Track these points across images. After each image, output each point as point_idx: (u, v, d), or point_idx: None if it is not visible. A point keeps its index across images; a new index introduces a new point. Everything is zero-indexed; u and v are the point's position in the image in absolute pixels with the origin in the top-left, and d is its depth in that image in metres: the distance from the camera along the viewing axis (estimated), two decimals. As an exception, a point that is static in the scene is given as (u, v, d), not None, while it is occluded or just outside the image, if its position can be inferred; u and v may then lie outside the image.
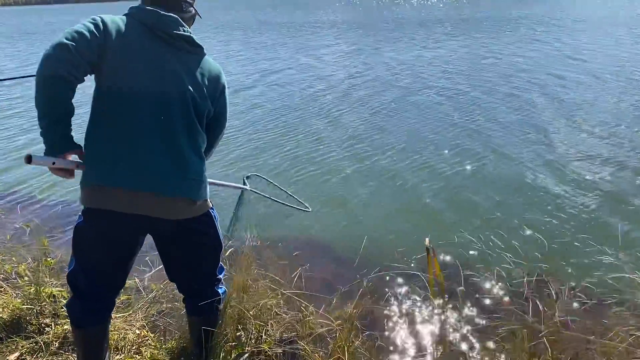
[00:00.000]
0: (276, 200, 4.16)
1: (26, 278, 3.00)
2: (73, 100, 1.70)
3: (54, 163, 1.74)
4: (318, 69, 11.65)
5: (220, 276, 2.18)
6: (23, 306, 2.65)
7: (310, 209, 4.08)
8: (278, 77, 10.87)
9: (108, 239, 1.83)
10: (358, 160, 5.45)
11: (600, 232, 3.67)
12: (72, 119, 1.73)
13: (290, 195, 4.30)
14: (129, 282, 3.08)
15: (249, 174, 4.25)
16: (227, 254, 3.14)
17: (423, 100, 8.18)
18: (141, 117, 1.71)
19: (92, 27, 1.66)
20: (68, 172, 1.76)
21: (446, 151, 5.60)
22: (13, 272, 3.16)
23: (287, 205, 4.11)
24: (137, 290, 3.03)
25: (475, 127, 6.48)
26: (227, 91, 1.97)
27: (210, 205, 2.01)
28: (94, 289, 1.92)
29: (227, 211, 4.23)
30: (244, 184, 4.41)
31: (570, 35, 15.60)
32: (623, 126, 6.22)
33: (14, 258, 3.36)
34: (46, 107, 1.65)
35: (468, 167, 5.10)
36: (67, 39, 1.60)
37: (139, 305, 2.82)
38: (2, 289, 2.94)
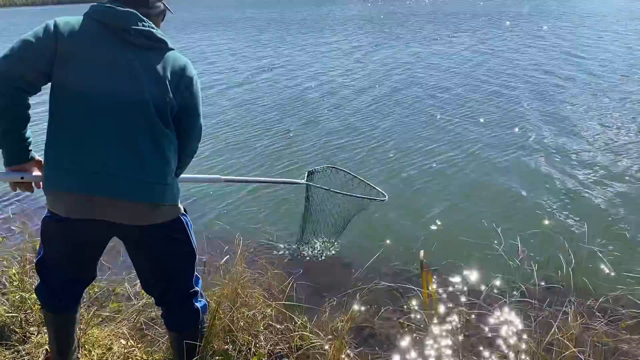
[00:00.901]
0: (338, 192, 3.28)
1: (15, 283, 2.94)
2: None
3: (22, 178, 1.75)
4: (333, 65, 11.56)
5: (198, 288, 2.04)
6: (7, 314, 2.58)
7: (387, 198, 3.27)
8: (289, 73, 10.82)
9: (70, 241, 1.83)
10: (355, 163, 5.34)
11: (617, 244, 3.55)
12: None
13: (368, 183, 3.42)
14: (119, 289, 3.02)
15: (315, 168, 3.64)
16: (221, 262, 3.04)
17: (441, 98, 8.05)
18: (95, 119, 1.64)
19: (40, 32, 1.62)
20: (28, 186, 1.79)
21: (453, 154, 5.49)
22: (3, 277, 3.10)
23: (357, 196, 3.29)
24: (127, 298, 2.96)
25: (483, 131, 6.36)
26: (196, 84, 1.83)
27: (182, 211, 1.90)
28: (60, 279, 1.95)
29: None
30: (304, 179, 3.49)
31: (584, 31, 15.36)
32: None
33: (5, 262, 3.30)
34: None
35: (474, 174, 4.99)
36: (12, 50, 1.58)
37: (127, 314, 2.74)
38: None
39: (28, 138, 1.73)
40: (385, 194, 3.28)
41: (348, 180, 3.45)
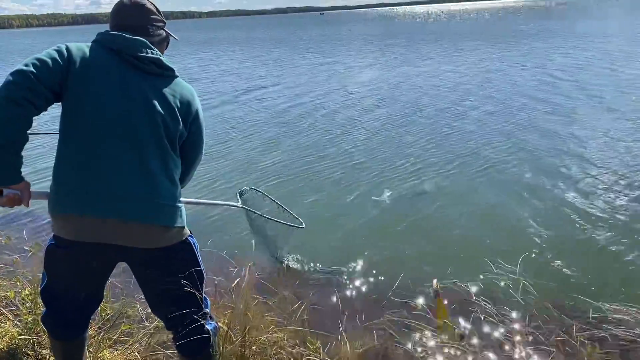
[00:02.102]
0: (267, 218, 3.49)
1: (28, 305, 2.95)
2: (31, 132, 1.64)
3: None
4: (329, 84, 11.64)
5: (207, 310, 2.04)
6: (20, 336, 2.58)
7: (303, 225, 3.46)
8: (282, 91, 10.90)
9: (76, 268, 1.82)
10: (365, 181, 5.37)
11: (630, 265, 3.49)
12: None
13: (285, 209, 3.63)
14: (130, 311, 3.02)
15: (242, 189, 3.76)
16: (233, 285, 3.02)
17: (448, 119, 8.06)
18: (108, 142, 1.66)
19: (55, 54, 1.65)
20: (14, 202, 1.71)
21: (460, 172, 5.47)
22: (17, 298, 3.11)
23: (279, 222, 3.47)
24: (139, 320, 2.95)
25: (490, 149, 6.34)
26: (201, 115, 1.89)
27: (189, 233, 1.92)
28: (66, 306, 1.94)
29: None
30: (238, 201, 3.70)
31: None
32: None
33: (18, 283, 3.32)
34: None
35: (484, 192, 4.96)
36: (26, 65, 1.58)
37: (139, 336, 2.72)
38: (3, 316, 2.89)
39: (21, 158, 1.65)
40: (303, 222, 3.47)
41: (267, 202, 3.68)
